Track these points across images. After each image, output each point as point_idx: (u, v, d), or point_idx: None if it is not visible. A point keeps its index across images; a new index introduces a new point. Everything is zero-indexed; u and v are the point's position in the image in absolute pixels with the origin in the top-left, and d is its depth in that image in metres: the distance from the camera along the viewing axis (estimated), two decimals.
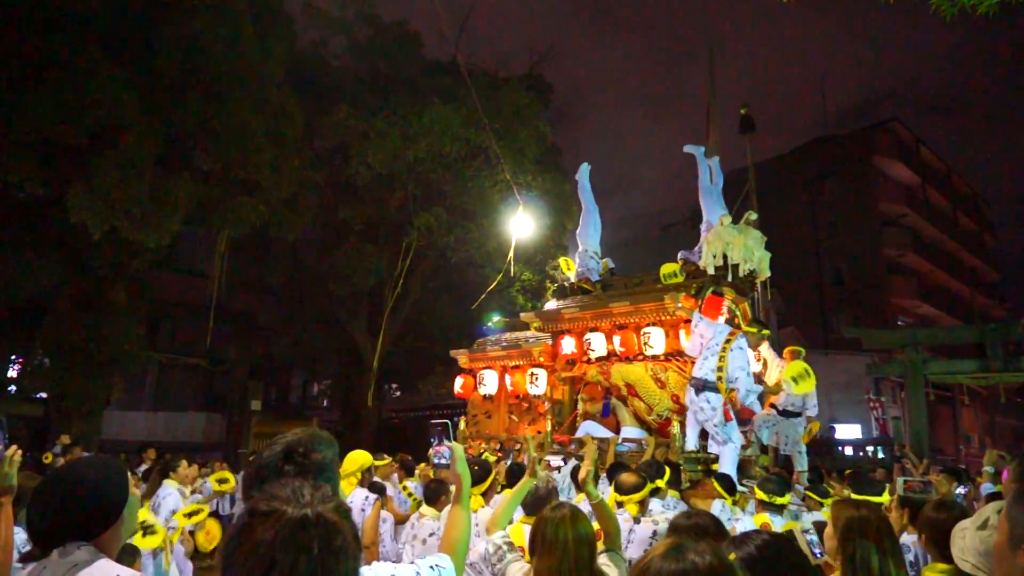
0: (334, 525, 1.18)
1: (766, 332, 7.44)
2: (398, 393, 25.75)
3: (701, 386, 6.55)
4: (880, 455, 19.53)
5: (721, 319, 6.88)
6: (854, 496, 4.08)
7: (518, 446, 7.88)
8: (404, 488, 7.41)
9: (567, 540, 2.48)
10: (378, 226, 18.79)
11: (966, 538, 2.04)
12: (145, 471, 7.76)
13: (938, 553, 2.71)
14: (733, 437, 6.45)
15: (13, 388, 16.89)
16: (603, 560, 2.70)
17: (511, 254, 14.60)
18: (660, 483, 4.81)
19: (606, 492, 5.71)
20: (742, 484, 5.97)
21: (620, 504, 4.10)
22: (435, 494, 4.97)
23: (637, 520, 4.00)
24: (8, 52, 11.22)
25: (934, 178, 38.11)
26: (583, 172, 9.84)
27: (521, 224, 14.19)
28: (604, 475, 6.07)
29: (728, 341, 6.49)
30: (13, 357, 16.72)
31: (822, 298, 33.58)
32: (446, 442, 2.35)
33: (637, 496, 4.10)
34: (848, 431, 23.54)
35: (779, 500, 4.29)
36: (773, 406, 7.89)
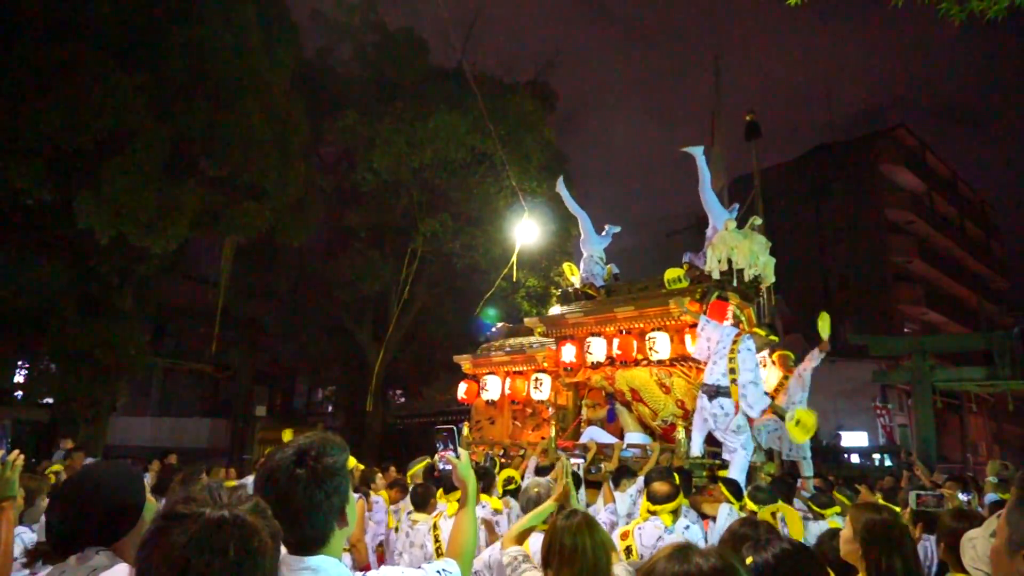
0: (250, 526, 1.16)
1: (774, 338, 7.40)
2: (403, 399, 25.75)
3: (714, 392, 6.45)
4: (887, 463, 19.46)
5: (727, 322, 6.85)
6: (882, 501, 4.07)
7: (521, 452, 7.86)
8: None
9: (586, 547, 2.45)
10: (383, 232, 18.83)
11: (977, 548, 2.03)
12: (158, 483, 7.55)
13: (957, 562, 2.68)
14: (745, 444, 6.40)
15: (19, 393, 16.94)
16: (618, 570, 2.68)
17: (514, 258, 14.60)
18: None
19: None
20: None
21: (654, 513, 4.08)
22: (423, 499, 4.97)
23: (670, 530, 3.98)
24: (16, 58, 11.30)
25: (940, 185, 38.03)
26: (560, 185, 9.98)
27: (526, 230, 14.20)
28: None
29: (735, 343, 6.45)
30: (19, 362, 16.77)
31: (828, 305, 33.39)
32: (450, 448, 2.34)
33: (671, 505, 4.08)
34: (854, 438, 23.47)
35: (768, 509, 4.26)
36: (775, 411, 7.85)
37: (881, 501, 4.32)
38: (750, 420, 6.70)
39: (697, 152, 8.46)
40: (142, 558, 1.14)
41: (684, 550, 1.25)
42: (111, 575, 1.76)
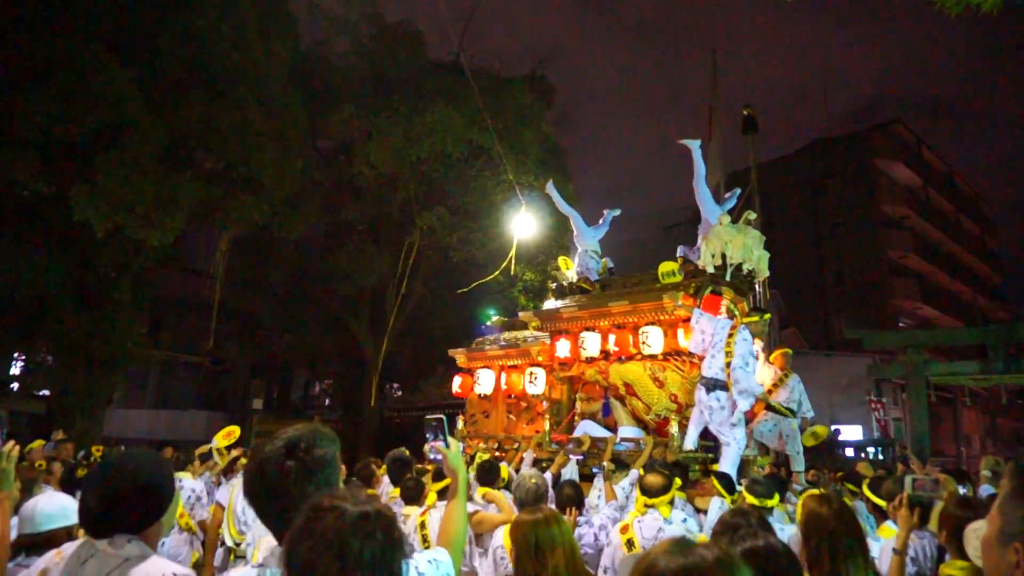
0: (391, 520, 1.34)
1: (767, 316, 7.43)
2: (399, 393, 25.80)
3: (712, 385, 6.44)
4: (881, 456, 19.57)
5: (722, 315, 6.84)
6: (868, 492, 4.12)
7: (516, 445, 7.90)
8: None
9: (552, 542, 2.50)
10: (381, 226, 18.84)
11: (981, 537, 2.05)
12: None
13: (957, 550, 2.72)
14: (738, 437, 6.42)
15: (16, 385, 16.96)
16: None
17: (512, 253, 14.62)
18: (677, 481, 4.81)
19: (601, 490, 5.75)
20: (740, 483, 5.98)
21: (651, 506, 4.11)
22: (414, 492, 4.88)
23: (669, 521, 4.01)
24: (12, 49, 11.28)
25: (936, 179, 38.09)
26: (551, 187, 10.00)
27: (523, 224, 14.21)
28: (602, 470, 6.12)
29: (731, 336, 6.46)
30: (16, 354, 16.77)
31: (823, 299, 33.61)
32: (439, 438, 2.36)
33: (667, 497, 4.12)
34: (849, 432, 23.58)
35: (768, 503, 4.31)
36: (770, 406, 7.88)
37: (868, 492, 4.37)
38: (748, 414, 6.71)
39: (694, 145, 8.40)
40: (294, 545, 1.27)
41: (685, 543, 1.23)
42: (147, 567, 1.77)
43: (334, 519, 1.27)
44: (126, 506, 1.83)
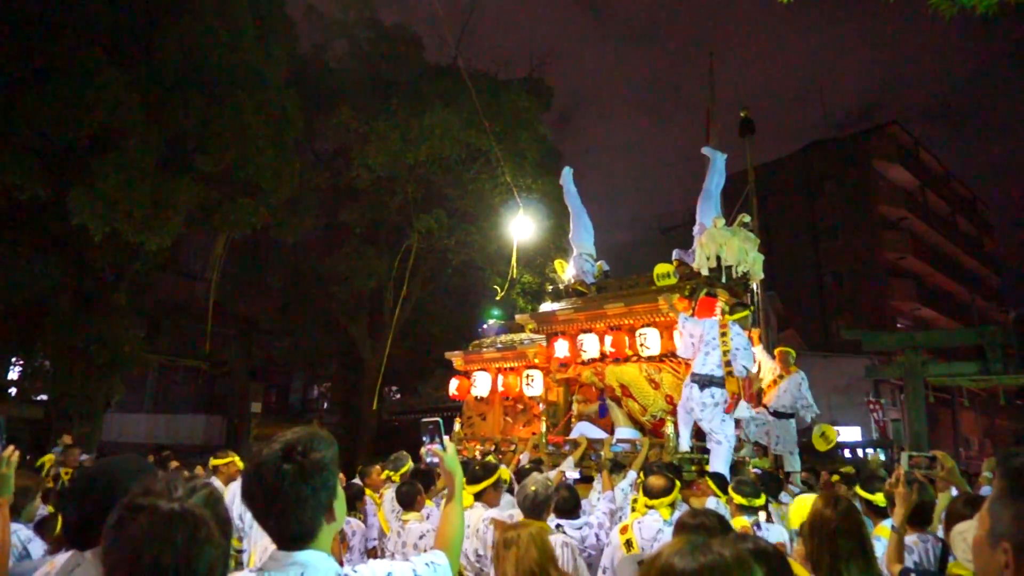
0: (198, 517, 1.32)
1: (751, 308, 7.49)
2: (398, 396, 25.79)
3: (707, 382, 6.45)
4: (881, 457, 19.57)
5: (714, 316, 6.87)
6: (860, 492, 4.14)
7: (512, 447, 7.92)
8: None
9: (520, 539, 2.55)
10: (379, 228, 18.84)
11: (968, 540, 2.05)
12: None
13: None
14: (728, 434, 6.45)
15: (13, 390, 16.95)
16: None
17: (514, 257, 14.63)
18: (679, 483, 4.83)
19: (597, 490, 5.77)
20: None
21: (651, 507, 4.13)
22: (409, 498, 4.84)
23: (669, 523, 4.03)
24: (10, 54, 11.29)
25: (933, 181, 38.14)
26: (566, 176, 9.83)
27: (521, 227, 14.23)
28: (598, 475, 6.13)
29: (724, 334, 6.51)
30: (14, 359, 16.77)
31: (821, 301, 33.62)
32: (436, 441, 2.37)
33: (668, 499, 4.13)
34: (848, 433, 23.59)
35: (757, 502, 4.33)
36: (765, 406, 7.92)
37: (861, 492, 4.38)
38: (732, 400, 6.73)
39: (716, 155, 8.52)
40: (107, 546, 1.28)
41: (698, 543, 1.21)
42: None
43: (136, 525, 1.27)
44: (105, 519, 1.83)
